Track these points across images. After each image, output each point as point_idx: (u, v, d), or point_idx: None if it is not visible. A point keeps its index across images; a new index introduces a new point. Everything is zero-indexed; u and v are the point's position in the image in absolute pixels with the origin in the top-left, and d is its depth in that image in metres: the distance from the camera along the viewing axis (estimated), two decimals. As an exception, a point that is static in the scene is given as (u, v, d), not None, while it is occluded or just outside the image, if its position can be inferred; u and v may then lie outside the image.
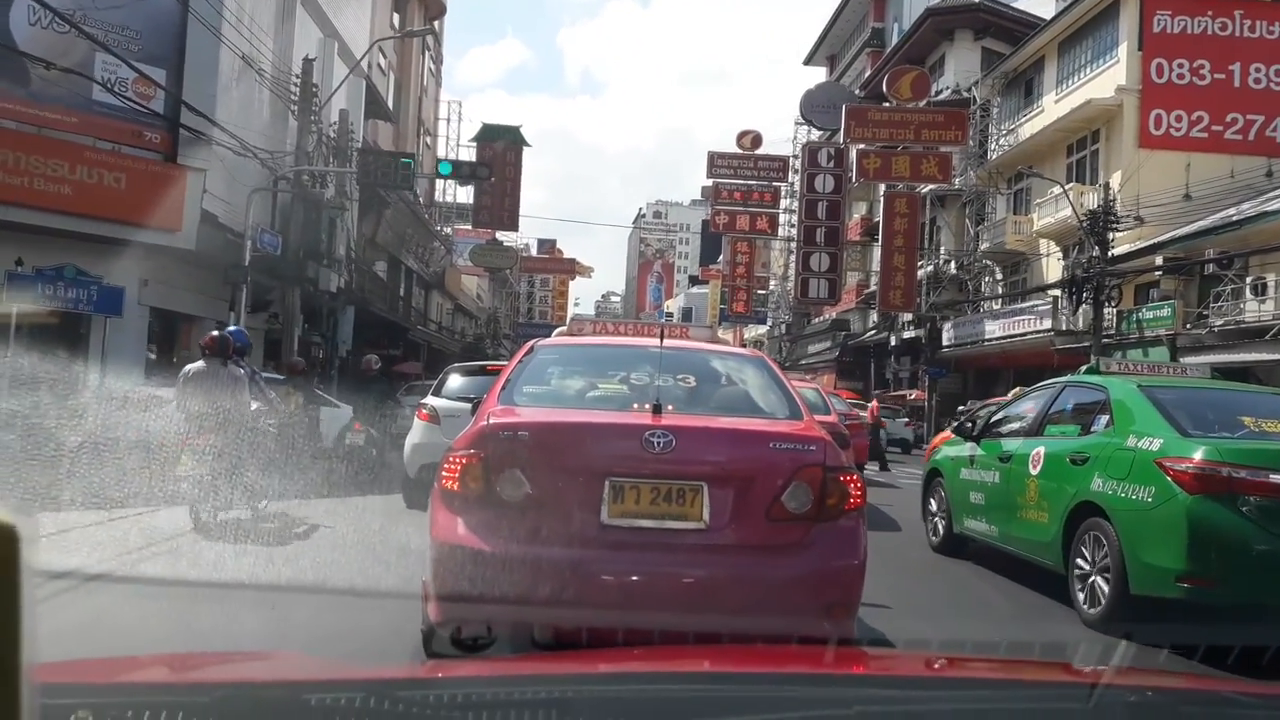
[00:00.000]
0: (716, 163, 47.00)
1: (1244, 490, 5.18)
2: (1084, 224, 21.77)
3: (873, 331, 41.01)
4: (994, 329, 27.67)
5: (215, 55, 14.93)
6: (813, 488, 3.62)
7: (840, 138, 43.49)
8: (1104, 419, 6.37)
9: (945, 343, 30.94)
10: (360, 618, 4.45)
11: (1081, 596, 5.86)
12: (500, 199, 38.54)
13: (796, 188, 45.06)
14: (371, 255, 30.01)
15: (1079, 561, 5.94)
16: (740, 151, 47.75)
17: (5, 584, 0.46)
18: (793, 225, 45.89)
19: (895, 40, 42.27)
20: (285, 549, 6.62)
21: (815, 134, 46.57)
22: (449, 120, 40.27)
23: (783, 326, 53.07)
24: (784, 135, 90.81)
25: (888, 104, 32.46)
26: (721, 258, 65.23)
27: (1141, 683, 1.51)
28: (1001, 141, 31.59)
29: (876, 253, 42.80)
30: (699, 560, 3.55)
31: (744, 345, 62.33)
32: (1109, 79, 25.80)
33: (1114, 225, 21.48)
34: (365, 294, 23.37)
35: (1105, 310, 21.84)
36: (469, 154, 39.89)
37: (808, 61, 56.86)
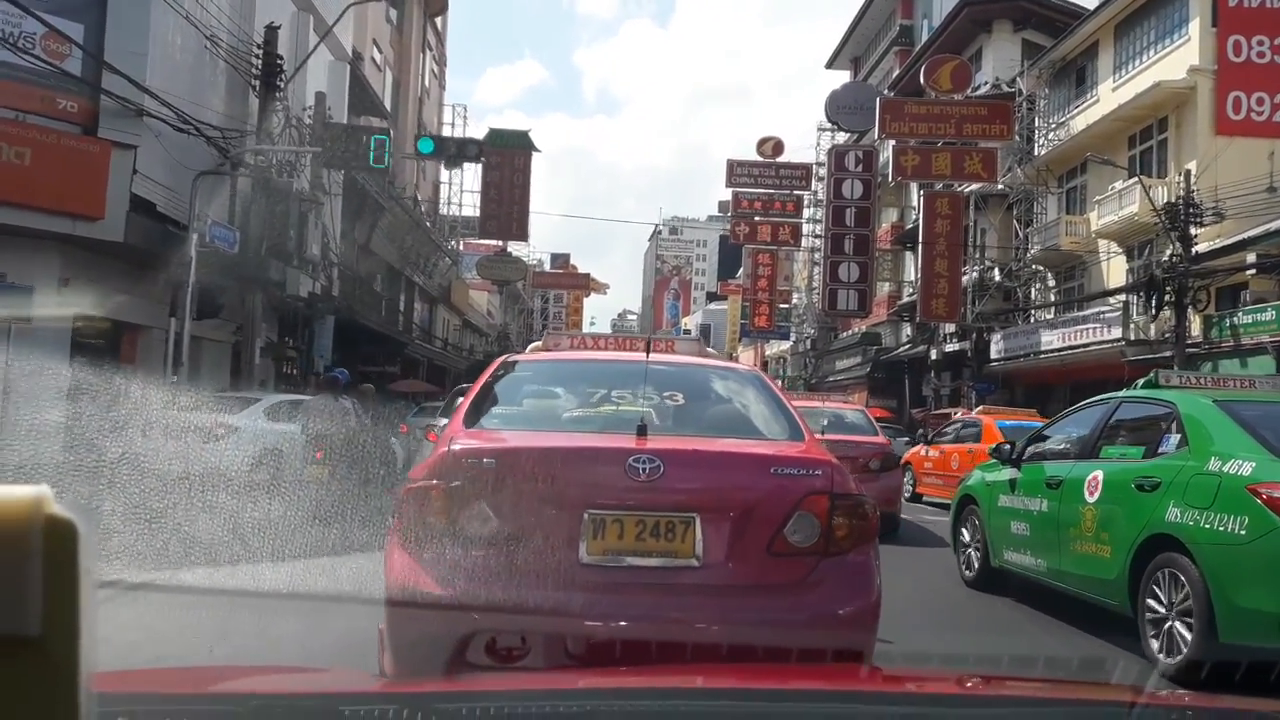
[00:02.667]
0: (736, 171, 44.69)
1: None
2: (1163, 218, 19.08)
3: (907, 345, 38.30)
4: (1051, 339, 24.92)
5: (145, 9, 12.51)
6: (819, 518, 3.23)
7: (868, 139, 41.44)
8: (1174, 439, 5.74)
9: (993, 355, 28.20)
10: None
11: (1156, 645, 5.22)
12: (508, 208, 36.13)
13: (820, 196, 42.81)
14: (366, 264, 27.66)
15: (1151, 603, 5.30)
16: (761, 159, 45.47)
17: (65, 582, 0.43)
18: (817, 235, 43.60)
19: (925, 38, 39.82)
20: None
21: (841, 137, 44.18)
22: (453, 125, 37.99)
23: (808, 342, 50.39)
24: (807, 142, 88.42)
25: (925, 96, 29.86)
26: (741, 271, 62.95)
27: (1180, 702, 1.51)
28: (1050, 136, 28.95)
29: (909, 261, 40.30)
30: (691, 603, 3.15)
31: (765, 363, 60.11)
32: (1178, 60, 23.15)
33: (1197, 219, 18.77)
34: (352, 303, 20.92)
35: (1189, 315, 19.12)
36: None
37: (830, 64, 54.31)
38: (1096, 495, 6.01)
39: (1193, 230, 18.71)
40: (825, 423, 11.45)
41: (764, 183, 44.91)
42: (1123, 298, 22.71)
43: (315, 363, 17.41)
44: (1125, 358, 21.39)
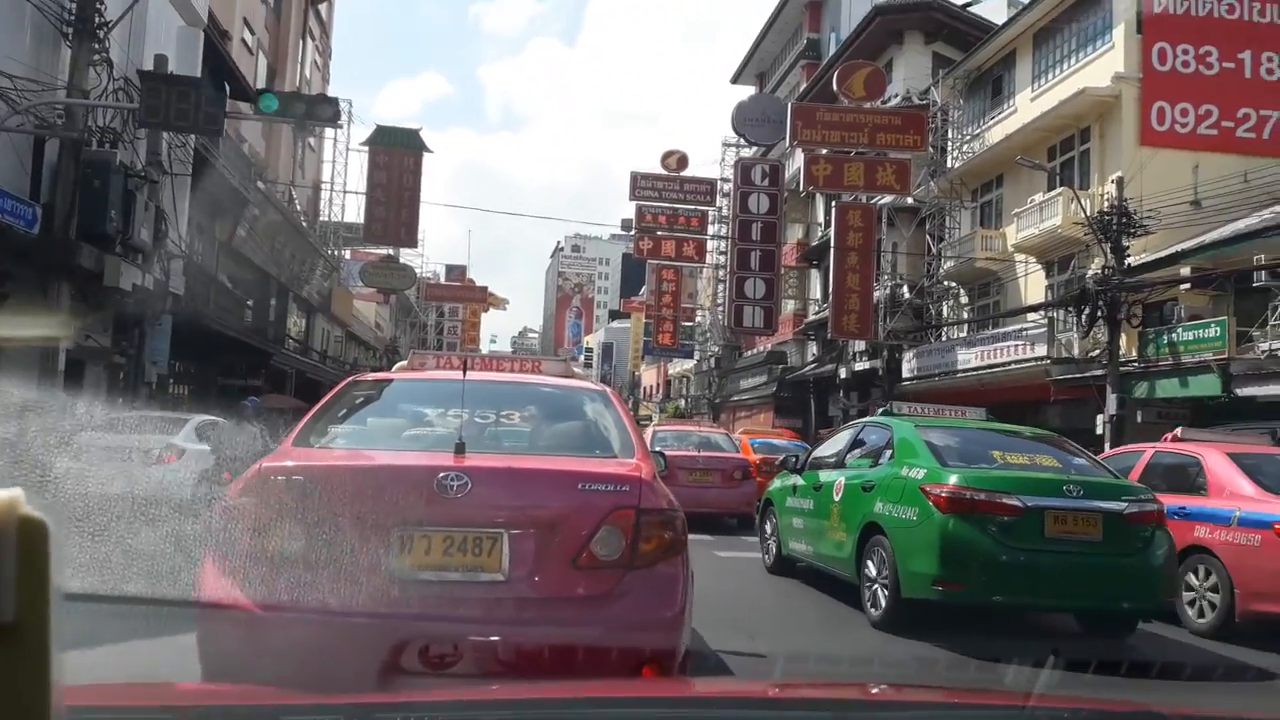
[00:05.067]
0: (640, 184, 42.97)
1: (985, 510, 6.32)
2: (1095, 229, 17.89)
3: (813, 364, 37.01)
4: (969, 358, 23.66)
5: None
6: (625, 532, 3.34)
7: (775, 154, 40.25)
8: (888, 453, 7.45)
9: (905, 375, 26.89)
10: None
11: (868, 603, 6.87)
12: (396, 211, 33.57)
13: (725, 213, 41.50)
14: (228, 265, 24.85)
15: (867, 572, 6.93)
16: (665, 173, 43.96)
17: (37, 575, 0.45)
18: (721, 252, 42.24)
19: (833, 51, 38.88)
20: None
21: (746, 153, 42.96)
22: (340, 126, 35.22)
23: (712, 360, 48.88)
24: (712, 157, 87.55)
25: (838, 104, 28.57)
26: (645, 289, 61.37)
27: (1069, 704, 1.48)
28: (965, 148, 27.98)
29: (815, 279, 39.18)
30: (496, 615, 3.23)
31: (668, 382, 58.70)
32: (1101, 68, 22.25)
33: (1131, 230, 17.62)
34: (201, 304, 18.23)
35: (1120, 333, 17.94)
36: (360, 159, 34.89)
37: (736, 79, 53.25)
38: (840, 495, 7.73)
39: (1124, 242, 17.51)
40: (695, 443, 14.26)
41: (668, 196, 43.40)
42: (1046, 314, 21.54)
43: (147, 370, 14.72)
44: (1050, 377, 20.20)
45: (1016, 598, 6.41)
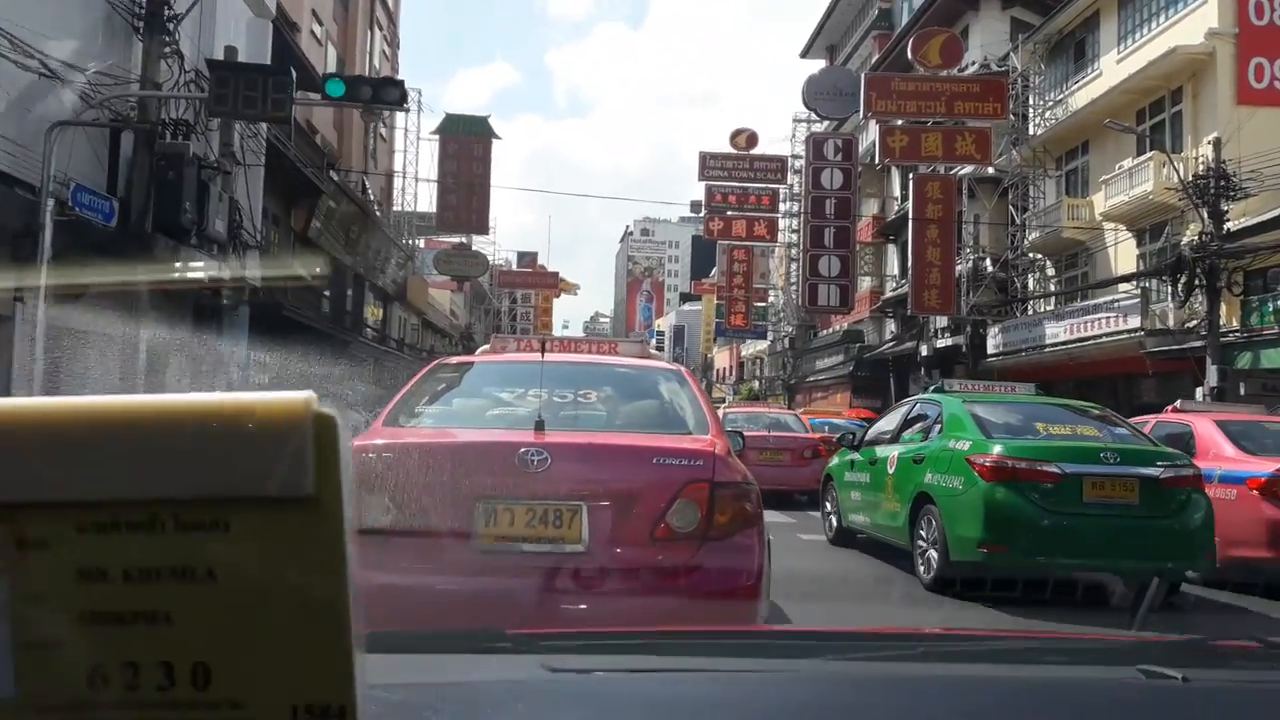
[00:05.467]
0: (709, 164, 42.50)
1: (1026, 477, 6.76)
2: (1190, 193, 16.97)
3: (891, 342, 36.19)
4: (1057, 331, 22.77)
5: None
6: (700, 504, 3.48)
7: (847, 128, 39.37)
8: (938, 428, 7.99)
9: (990, 350, 26.06)
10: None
11: (920, 567, 7.44)
12: (467, 199, 33.73)
13: (797, 190, 40.77)
14: (305, 256, 25.11)
15: (919, 540, 7.48)
16: (734, 151, 43.41)
17: (329, 458, 0.51)
18: (794, 231, 41.55)
19: (906, 20, 37.78)
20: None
21: (818, 127, 42.12)
22: (408, 109, 35.52)
23: (786, 341, 48.23)
24: (782, 134, 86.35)
25: (913, 73, 27.72)
26: (715, 270, 60.82)
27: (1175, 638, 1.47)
28: (1047, 115, 26.91)
29: (892, 255, 38.28)
30: (578, 584, 3.36)
31: (740, 364, 58.23)
32: (1192, 25, 21.10)
33: (1230, 194, 16.67)
34: (278, 295, 18.43)
35: (1221, 301, 17.02)
36: (431, 148, 35.09)
37: (805, 54, 52.23)
38: (894, 468, 8.25)
39: (1227, 205, 16.57)
40: (766, 424, 14.89)
41: (738, 176, 42.87)
42: (1139, 284, 20.58)
43: (226, 359, 14.91)
44: (1144, 349, 19.30)
45: (1057, 559, 6.76)
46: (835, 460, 10.23)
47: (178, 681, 0.52)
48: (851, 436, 9.97)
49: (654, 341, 79.89)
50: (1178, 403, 10.04)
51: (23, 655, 0.51)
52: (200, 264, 13.28)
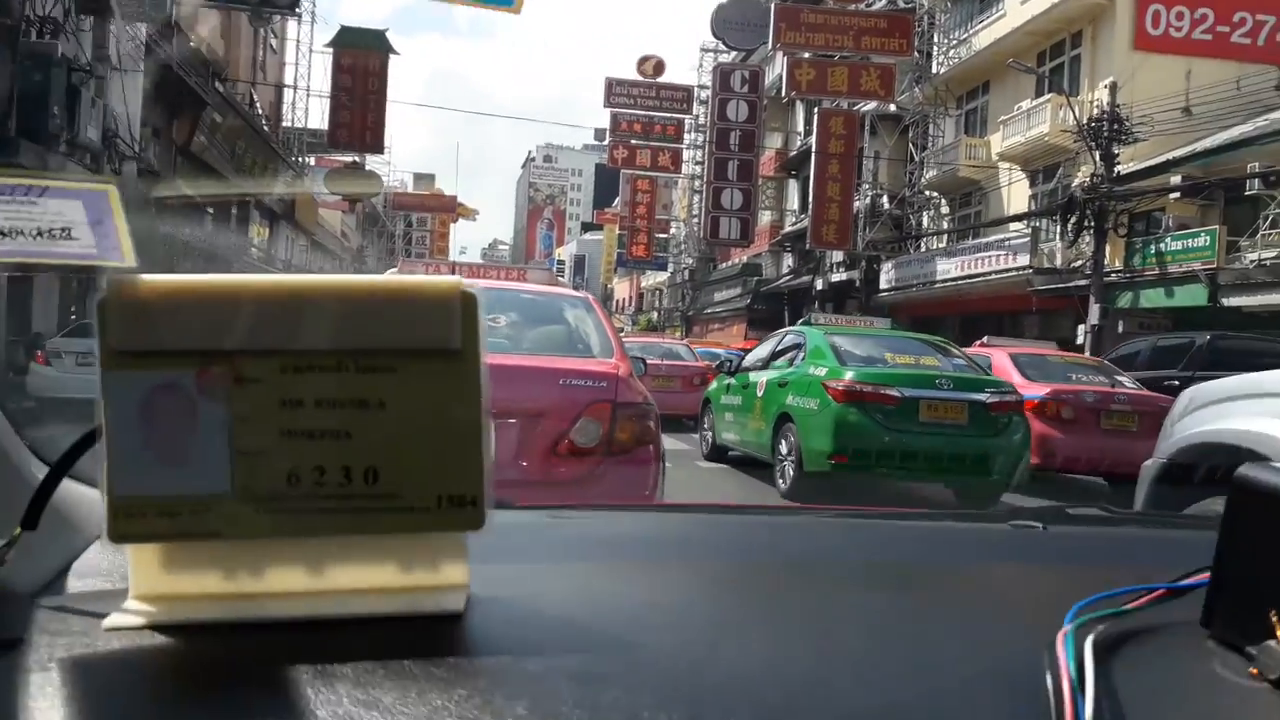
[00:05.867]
0: (614, 90, 41.64)
1: (871, 400, 7.63)
2: (1086, 135, 17.38)
3: (789, 276, 36.59)
4: (948, 268, 23.33)
5: None
6: (602, 423, 3.68)
7: (755, 59, 39.13)
8: (801, 356, 8.75)
9: (883, 286, 26.56)
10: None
11: (779, 479, 8.30)
12: (361, 115, 32.33)
13: (702, 121, 40.47)
14: (186, 170, 23.81)
15: (779, 454, 8.35)
16: (641, 79, 42.69)
17: (471, 324, 0.71)
18: (698, 162, 41.34)
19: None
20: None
21: (725, 57, 41.75)
22: (300, 20, 33.72)
23: (686, 273, 48.33)
24: (689, 63, 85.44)
25: (822, 5, 27.58)
26: (618, 200, 60.26)
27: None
28: (950, 54, 27.18)
29: (793, 190, 38.50)
30: None
31: (640, 295, 58.11)
32: (1094, -31, 21.46)
33: (1122, 138, 17.13)
34: (156, 209, 17.42)
35: (1106, 243, 17.58)
36: (324, 62, 33.42)
37: (714, -18, 51.53)
38: (762, 392, 9.01)
39: (1118, 148, 17.03)
40: (660, 353, 15.10)
41: (644, 104, 42.14)
42: (1029, 224, 21.15)
43: (99, 277, 14.02)
44: (1031, 287, 19.90)
45: (896, 471, 7.64)
46: (714, 385, 10.93)
47: (353, 480, 0.70)
48: (729, 363, 10.70)
49: (554, 270, 79.15)
50: (985, 339, 11.58)
51: (237, 460, 0.69)
52: (70, 175, 12.38)
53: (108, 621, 0.70)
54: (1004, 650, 0.74)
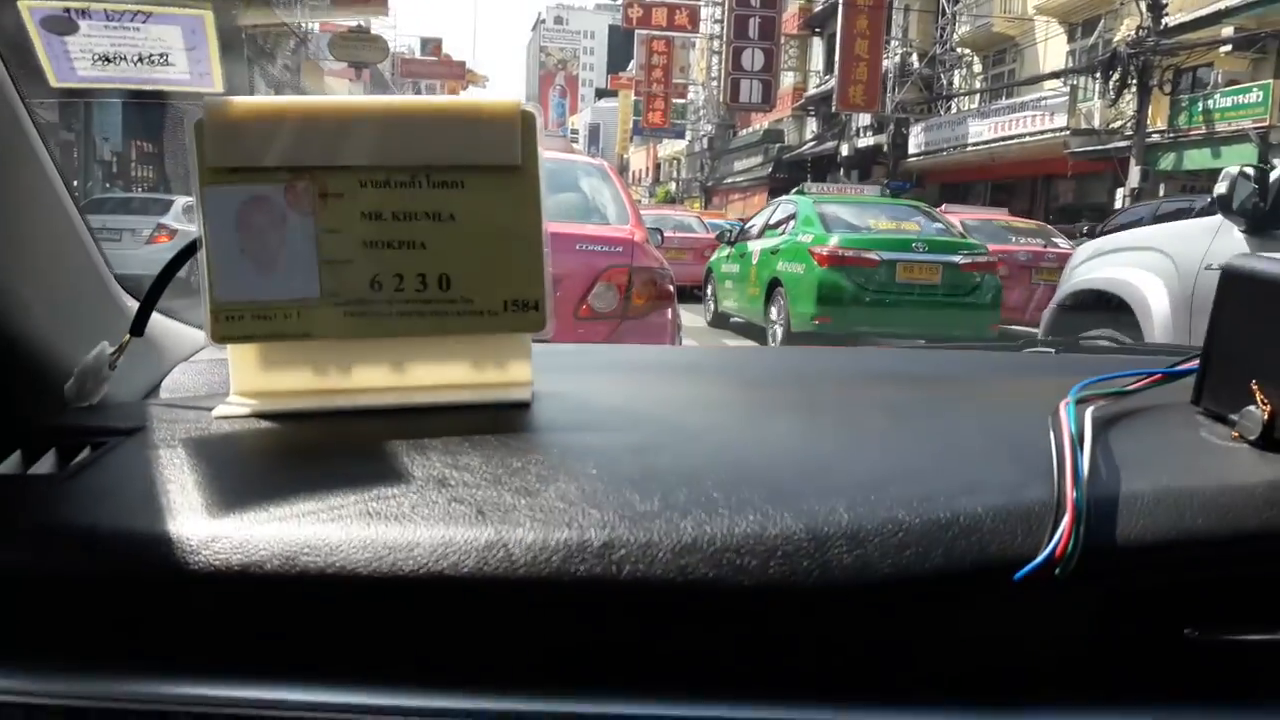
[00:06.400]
0: (629, -57, 39.71)
1: (851, 263, 8.20)
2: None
3: (812, 142, 35.39)
4: (981, 130, 22.31)
5: None
6: (619, 287, 3.80)
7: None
8: (792, 224, 9.25)
9: (911, 150, 25.55)
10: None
11: (770, 339, 8.96)
12: (365, -27, 30.89)
13: (721, -24, 38.55)
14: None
15: (772, 316, 8.99)
16: (657, -70, 40.57)
17: (530, 138, 0.77)
18: (717, 21, 39.53)
19: None
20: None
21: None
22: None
23: (705, 140, 46.94)
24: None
25: None
26: (633, 63, 58.15)
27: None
28: (986, -103, 25.39)
29: (817, 50, 36.87)
30: None
31: (658, 164, 56.75)
32: None
33: (1171, -18, 15.94)
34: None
35: (1149, 101, 16.58)
36: (323, -84, 31.72)
37: None
38: (756, 260, 9.45)
39: (1164, -2, 15.88)
40: (671, 225, 14.89)
41: (661, -43, 40.23)
42: (1067, 81, 20.05)
43: (99, 146, 13.42)
44: (1068, 149, 18.99)
45: (875, 328, 8.16)
46: (715, 255, 11.43)
47: (429, 286, 0.78)
48: (728, 233, 11.19)
49: (568, 139, 77.47)
50: (943, 206, 12.25)
51: (324, 268, 0.76)
52: None
53: (217, 410, 0.78)
54: (1012, 423, 0.81)
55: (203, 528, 0.60)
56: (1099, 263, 4.44)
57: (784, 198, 11.24)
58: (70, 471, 0.68)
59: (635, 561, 0.59)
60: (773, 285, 8.99)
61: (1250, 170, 3.61)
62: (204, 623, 0.60)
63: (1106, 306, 4.20)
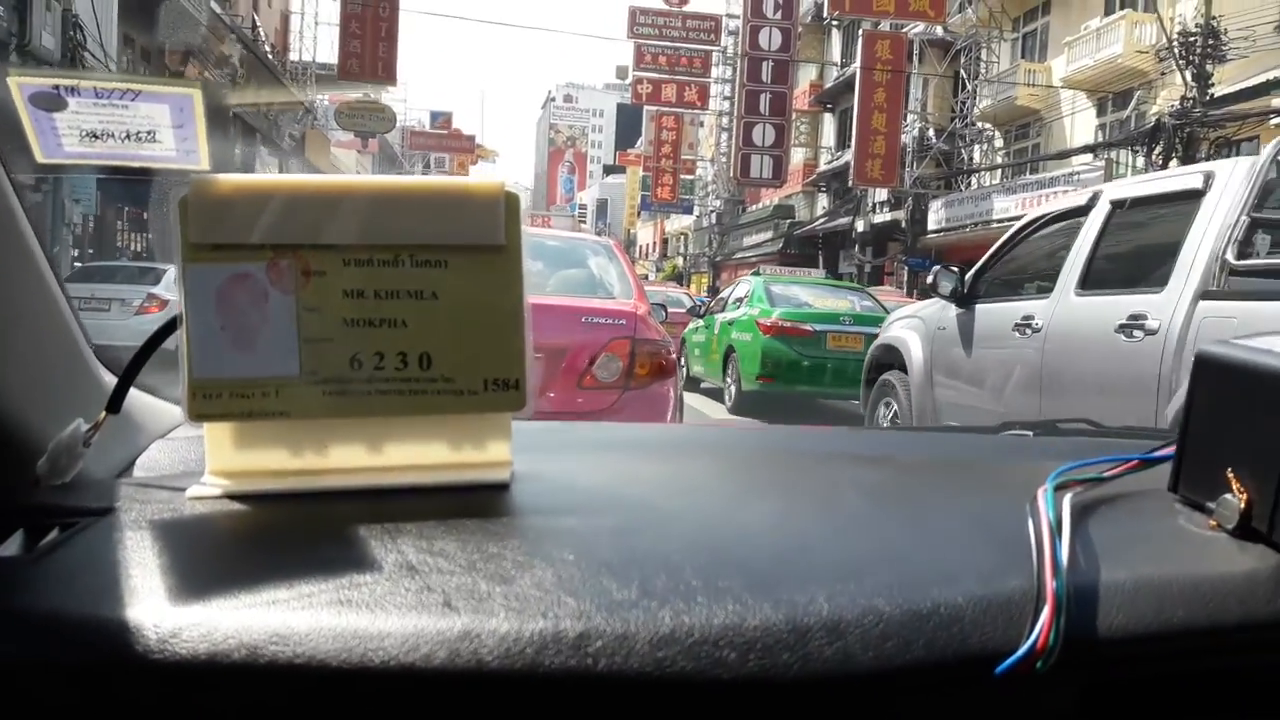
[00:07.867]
0: (638, 20, 39.32)
1: (790, 333, 9.82)
2: (1176, 50, 15.37)
3: (823, 218, 34.63)
4: (1007, 206, 21.35)
5: None
6: (622, 359, 3.95)
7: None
8: (746, 300, 10.86)
9: (931, 226, 24.64)
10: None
11: (727, 399, 10.68)
12: (373, 45, 30.50)
13: (730, 53, 38.27)
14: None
15: (727, 379, 10.68)
16: (666, 7, 40.41)
17: (514, 221, 0.77)
18: (726, 98, 39.18)
19: None
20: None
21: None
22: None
23: (713, 216, 46.33)
24: None
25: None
26: (641, 139, 58.00)
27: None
28: (1006, -28, 24.93)
29: (828, 125, 36.38)
30: None
31: (665, 239, 56.24)
32: None
33: (1218, 54, 15.11)
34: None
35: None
36: (332, -12, 31.52)
37: (744, -94, 48.78)
38: (717, 330, 11.32)
39: (1214, 67, 15.03)
40: (660, 300, 16.98)
41: (669, 35, 39.91)
42: (1101, 155, 19.16)
43: (68, 209, 12.45)
44: (1104, 226, 17.98)
45: (809, 388, 9.85)
46: (689, 326, 12.80)
47: (409, 364, 0.77)
48: (698, 307, 12.83)
49: (576, 215, 77.28)
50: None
51: (304, 346, 0.75)
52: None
53: (191, 490, 0.76)
54: (991, 509, 0.82)
55: (169, 615, 0.59)
56: (893, 326, 6.49)
57: (744, 278, 13.02)
58: (37, 554, 0.67)
59: (612, 654, 0.58)
60: (729, 352, 10.64)
61: (954, 268, 5.41)
62: (168, 714, 0.58)
63: (894, 352, 6.09)
